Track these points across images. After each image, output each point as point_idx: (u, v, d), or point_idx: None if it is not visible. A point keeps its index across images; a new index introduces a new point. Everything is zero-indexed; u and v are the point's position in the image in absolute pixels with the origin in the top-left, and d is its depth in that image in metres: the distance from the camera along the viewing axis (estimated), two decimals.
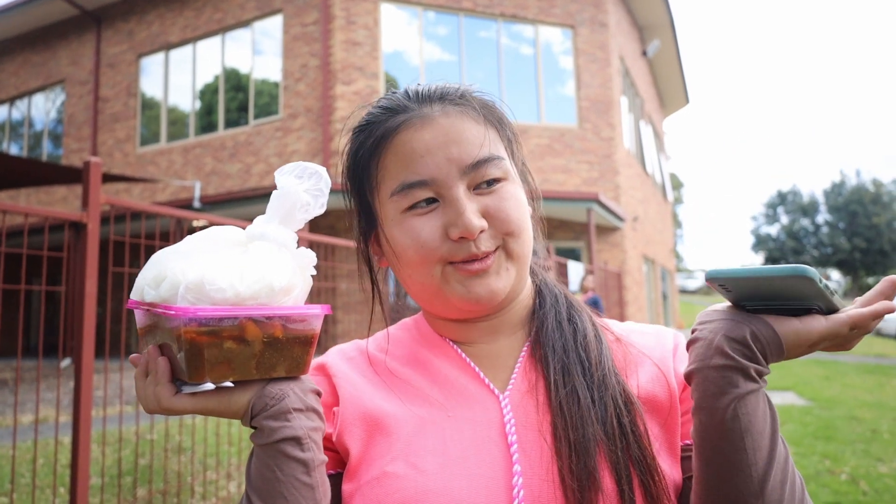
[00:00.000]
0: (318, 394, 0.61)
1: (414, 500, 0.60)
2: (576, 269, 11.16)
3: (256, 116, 13.03)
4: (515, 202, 0.70)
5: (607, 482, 0.61)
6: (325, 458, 0.60)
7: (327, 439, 0.68)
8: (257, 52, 13.33)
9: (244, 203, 11.08)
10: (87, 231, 2.55)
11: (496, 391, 0.70)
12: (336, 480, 0.68)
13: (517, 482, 0.62)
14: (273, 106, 12.92)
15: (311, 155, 12.00)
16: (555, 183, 13.13)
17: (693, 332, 0.61)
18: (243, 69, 13.52)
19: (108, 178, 11.20)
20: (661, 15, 17.73)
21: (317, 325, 0.57)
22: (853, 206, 48.09)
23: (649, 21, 18.07)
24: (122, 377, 2.78)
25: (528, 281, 0.79)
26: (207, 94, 13.94)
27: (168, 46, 14.21)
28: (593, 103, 13.72)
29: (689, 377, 0.61)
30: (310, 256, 0.60)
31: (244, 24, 13.31)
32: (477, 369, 0.73)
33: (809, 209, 51.51)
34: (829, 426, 5.73)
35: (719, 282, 0.57)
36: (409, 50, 12.95)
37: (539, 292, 0.79)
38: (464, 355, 0.75)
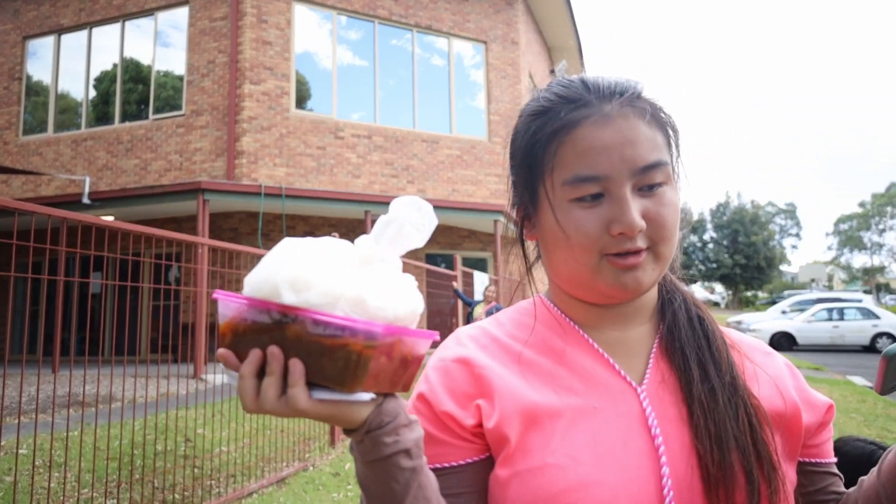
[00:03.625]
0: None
1: (574, 490, 0.67)
2: (481, 280, 11.35)
3: (157, 111, 12.39)
4: (672, 208, 0.73)
5: (740, 478, 0.67)
6: (425, 459, 0.65)
7: (474, 428, 0.73)
8: (161, 43, 12.70)
9: (140, 201, 10.44)
10: None
11: (633, 383, 0.75)
12: (481, 466, 0.73)
13: (665, 472, 0.68)
14: (176, 101, 12.34)
15: (216, 154, 11.55)
16: (463, 194, 13.31)
17: None
18: (144, 60, 12.83)
19: None
20: (569, 38, 18.46)
21: (427, 349, 0.63)
22: (735, 225, 52.02)
23: (557, 43, 18.77)
24: None
25: None
26: (104, 84, 13.11)
27: (60, 30, 13.26)
28: (503, 118, 14.05)
29: None
30: (412, 282, 0.64)
31: (147, 12, 12.65)
32: (611, 360, 0.77)
33: (698, 226, 55.08)
34: None
35: None
36: (320, 52, 12.76)
37: (663, 286, 0.84)
38: (595, 345, 0.78)
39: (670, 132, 0.77)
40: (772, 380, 0.77)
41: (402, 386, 0.61)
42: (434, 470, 0.71)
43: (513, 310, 0.87)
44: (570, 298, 0.81)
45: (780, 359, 0.83)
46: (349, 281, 0.56)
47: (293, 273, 0.56)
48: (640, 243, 0.71)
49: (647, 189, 0.72)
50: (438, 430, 0.73)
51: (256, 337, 0.57)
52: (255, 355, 0.56)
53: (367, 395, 0.58)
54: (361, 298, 0.55)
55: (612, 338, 0.79)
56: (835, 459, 0.81)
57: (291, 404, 0.56)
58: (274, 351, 0.56)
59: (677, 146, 0.78)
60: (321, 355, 0.54)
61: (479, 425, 0.73)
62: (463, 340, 0.80)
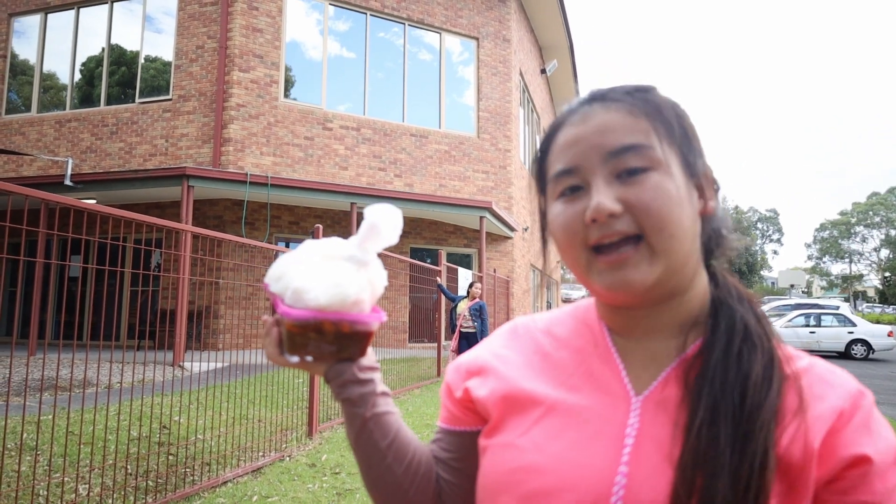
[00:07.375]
0: (373, 368, 0.82)
1: (525, 471, 0.70)
2: (465, 276, 11.37)
3: (143, 94, 12.25)
4: (661, 193, 0.67)
5: None
6: (386, 411, 0.81)
7: (463, 402, 0.82)
8: (150, 27, 12.55)
9: (124, 185, 10.31)
10: None
11: (632, 393, 0.71)
12: (464, 437, 0.83)
13: (619, 482, 0.65)
14: (163, 85, 12.20)
15: (202, 141, 11.44)
16: (451, 189, 13.31)
17: None
18: (132, 42, 12.67)
19: None
20: (561, 38, 18.49)
21: (374, 326, 0.77)
22: None
23: (549, 42, 18.80)
24: None
25: (704, 281, 0.75)
26: (90, 65, 12.92)
27: (46, 9, 13.06)
28: (492, 115, 14.06)
29: None
30: (382, 275, 0.80)
31: None
32: (621, 366, 0.74)
33: None
34: None
35: None
36: (307, 42, 12.68)
37: (715, 306, 0.73)
38: (613, 349, 0.76)
39: (664, 122, 0.72)
40: (808, 419, 0.63)
41: (349, 354, 0.78)
42: (439, 429, 0.86)
43: (570, 308, 0.88)
44: (599, 303, 0.79)
45: (844, 396, 0.66)
46: (299, 274, 0.74)
47: (276, 268, 0.77)
48: (621, 227, 0.67)
49: (626, 175, 0.68)
50: (444, 395, 0.86)
51: (273, 313, 0.81)
52: (269, 321, 0.80)
53: (294, 358, 0.77)
54: (299, 290, 0.72)
55: (637, 345, 0.75)
56: None
57: (268, 354, 0.79)
58: (272, 320, 0.79)
59: (680, 137, 0.72)
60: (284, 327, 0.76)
61: (468, 401, 0.81)
62: (503, 329, 0.89)
